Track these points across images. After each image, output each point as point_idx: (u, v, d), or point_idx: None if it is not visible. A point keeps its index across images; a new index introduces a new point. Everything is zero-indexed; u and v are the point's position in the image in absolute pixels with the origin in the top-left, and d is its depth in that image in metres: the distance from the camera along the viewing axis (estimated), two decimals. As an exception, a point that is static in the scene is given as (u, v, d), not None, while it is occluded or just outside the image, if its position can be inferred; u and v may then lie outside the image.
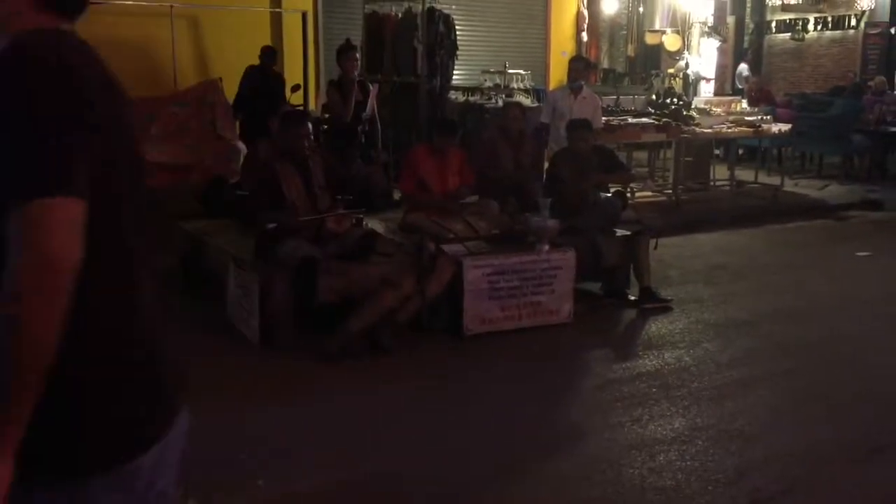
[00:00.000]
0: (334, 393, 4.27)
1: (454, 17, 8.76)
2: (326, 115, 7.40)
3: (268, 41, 9.37)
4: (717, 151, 11.39)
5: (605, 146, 6.63)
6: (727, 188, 10.18)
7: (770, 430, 3.98)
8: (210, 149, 7.48)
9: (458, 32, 8.98)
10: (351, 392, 4.29)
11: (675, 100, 10.21)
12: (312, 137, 5.14)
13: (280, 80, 8.64)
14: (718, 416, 4.11)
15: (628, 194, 8.69)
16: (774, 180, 10.47)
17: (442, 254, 5.11)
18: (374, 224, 5.67)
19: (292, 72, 9.27)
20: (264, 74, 8.45)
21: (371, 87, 7.39)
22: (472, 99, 9.19)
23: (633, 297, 5.90)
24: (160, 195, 6.99)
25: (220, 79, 8.05)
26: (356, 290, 4.82)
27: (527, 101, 9.07)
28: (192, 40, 9.55)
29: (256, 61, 8.53)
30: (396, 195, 6.84)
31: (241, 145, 7.52)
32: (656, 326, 5.49)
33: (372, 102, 7.32)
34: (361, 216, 5.34)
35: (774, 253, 7.63)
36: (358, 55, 7.31)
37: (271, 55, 8.52)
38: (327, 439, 3.75)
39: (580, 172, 5.88)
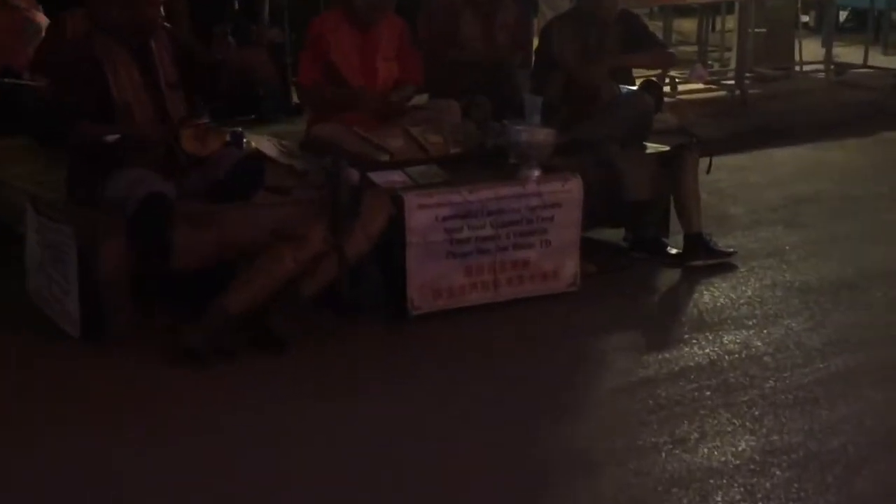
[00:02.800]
0: (199, 419, 4.23)
1: None
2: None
3: None
4: (804, 18, 11.47)
5: (629, 11, 6.50)
6: (821, 75, 10.30)
7: (886, 451, 4.01)
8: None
9: None
10: (225, 414, 4.26)
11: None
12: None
13: None
14: (806, 431, 4.16)
15: (666, 87, 8.74)
16: (895, 62, 10.75)
17: (371, 187, 5.12)
18: (261, 142, 5.61)
19: None
20: None
21: None
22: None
23: (674, 251, 6.00)
24: None
25: None
26: (233, 249, 4.86)
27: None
28: None
29: None
30: (296, 95, 6.76)
31: (41, 17, 7.25)
32: (711, 295, 5.55)
33: None
34: (239, 130, 5.38)
35: (891, 177, 7.73)
36: None
37: None
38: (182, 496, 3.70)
39: (588, 52, 5.90)
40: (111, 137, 4.73)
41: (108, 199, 4.78)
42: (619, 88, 5.95)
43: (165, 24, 5.16)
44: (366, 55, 5.71)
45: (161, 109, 4.95)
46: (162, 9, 5.05)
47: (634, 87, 6.11)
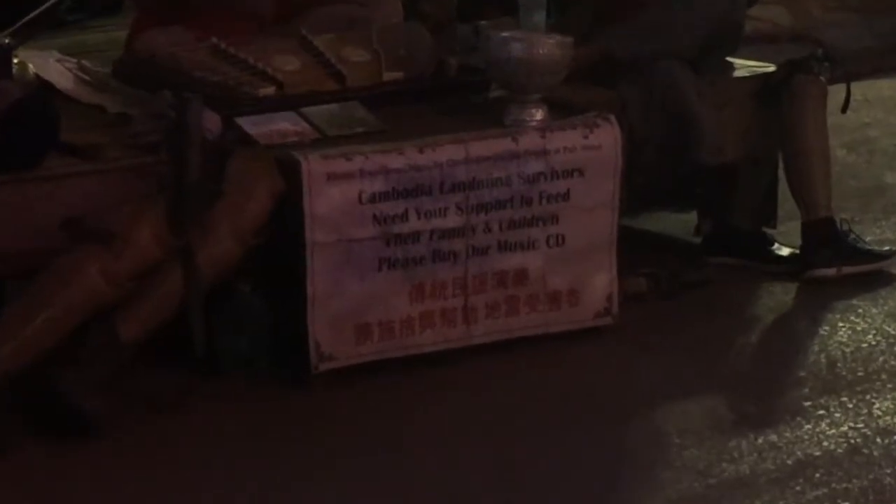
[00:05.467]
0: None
1: None
2: None
3: None
4: None
5: None
6: None
7: None
8: None
9: None
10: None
11: None
12: None
13: None
14: None
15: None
16: None
17: (243, 144, 5.17)
18: (46, 64, 5.70)
19: None
20: None
21: None
22: None
23: (786, 251, 6.13)
24: None
25: None
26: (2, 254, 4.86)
27: None
28: None
29: None
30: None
31: None
32: (851, 329, 5.62)
33: None
34: (6, 42, 5.41)
35: None
36: None
37: None
38: None
39: None
40: None
41: None
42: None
43: None
44: None
45: None
46: None
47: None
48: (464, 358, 5.19)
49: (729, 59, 6.14)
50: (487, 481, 4.54)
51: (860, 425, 4.82)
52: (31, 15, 5.41)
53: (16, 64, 5.47)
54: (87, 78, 5.65)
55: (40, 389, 4.73)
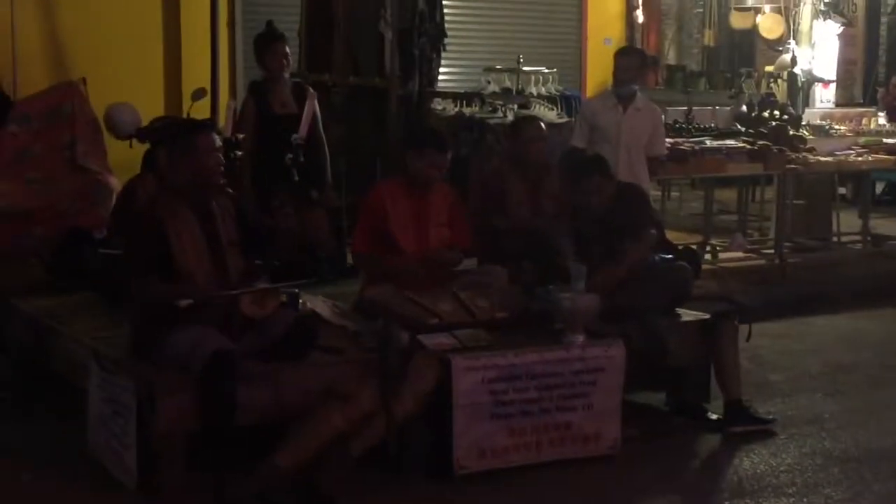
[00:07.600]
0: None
1: (442, -13, 9.24)
2: (241, 136, 7.16)
3: (157, 23, 9.57)
4: (841, 191, 11.53)
5: (628, 185, 6.43)
6: (858, 246, 10.34)
7: None
8: (66, 186, 7.47)
9: (446, 11, 9.22)
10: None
11: (776, 112, 10.39)
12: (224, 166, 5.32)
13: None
14: None
15: (707, 255, 8.85)
16: (931, 234, 10.89)
17: (420, 349, 5.20)
18: (316, 303, 5.71)
19: (195, 70, 9.40)
20: None
21: (309, 94, 7.42)
22: (468, 111, 9.27)
23: (714, 416, 5.99)
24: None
25: (84, 80, 8.06)
26: (286, 406, 4.93)
27: (551, 114, 9.24)
28: (42, 21, 9.72)
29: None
30: (352, 260, 6.90)
31: (114, 181, 7.47)
32: (751, 461, 5.56)
33: (308, 116, 7.30)
34: (296, 291, 5.42)
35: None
36: (288, 49, 7.39)
37: None
38: None
39: (608, 233, 5.94)
40: (183, 303, 4.85)
41: (170, 355, 4.88)
42: (656, 259, 5.98)
43: (228, 189, 5.31)
44: (420, 221, 5.89)
45: (221, 265, 5.07)
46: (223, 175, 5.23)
47: (669, 256, 6.12)
48: (535, 469, 5.20)
49: (686, 309, 6.01)
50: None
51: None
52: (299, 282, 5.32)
53: (301, 302, 5.56)
54: (337, 311, 5.68)
55: (306, 480, 4.72)
